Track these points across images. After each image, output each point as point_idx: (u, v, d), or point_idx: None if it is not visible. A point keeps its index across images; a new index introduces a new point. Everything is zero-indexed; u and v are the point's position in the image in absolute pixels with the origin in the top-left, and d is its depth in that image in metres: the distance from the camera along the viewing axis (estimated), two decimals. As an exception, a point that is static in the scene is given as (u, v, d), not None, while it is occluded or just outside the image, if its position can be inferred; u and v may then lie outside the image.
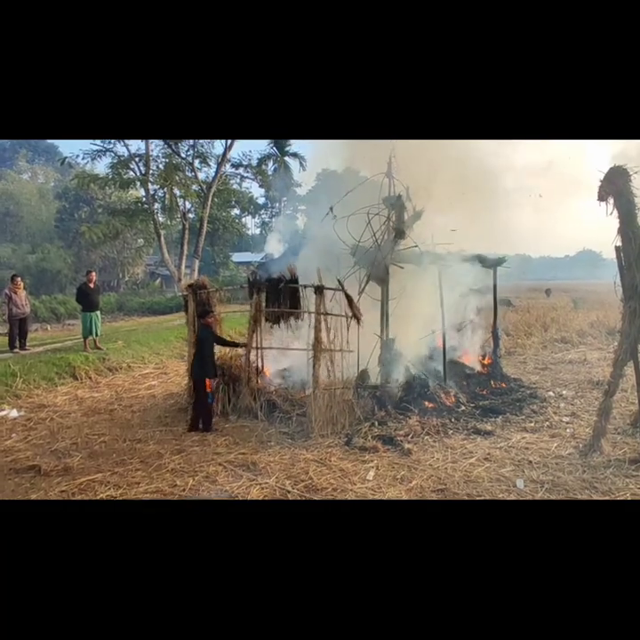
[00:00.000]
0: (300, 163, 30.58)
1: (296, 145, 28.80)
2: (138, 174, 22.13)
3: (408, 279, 6.51)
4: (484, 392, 7.78)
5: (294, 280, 6.93)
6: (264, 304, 7.15)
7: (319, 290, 6.28)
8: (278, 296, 7.02)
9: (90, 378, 9.54)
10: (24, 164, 49.85)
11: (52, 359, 9.76)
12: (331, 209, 6.38)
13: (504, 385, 8.14)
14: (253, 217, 49.88)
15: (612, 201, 4.88)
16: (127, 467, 5.39)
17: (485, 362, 8.55)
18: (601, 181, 4.86)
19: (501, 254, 8.73)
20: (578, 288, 30.23)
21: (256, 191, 43.30)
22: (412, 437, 6.06)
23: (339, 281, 6.22)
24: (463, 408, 6.99)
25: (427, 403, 6.90)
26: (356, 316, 6.28)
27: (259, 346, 7.32)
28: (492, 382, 8.12)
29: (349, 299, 6.28)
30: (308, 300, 6.68)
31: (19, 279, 10.74)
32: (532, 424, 6.62)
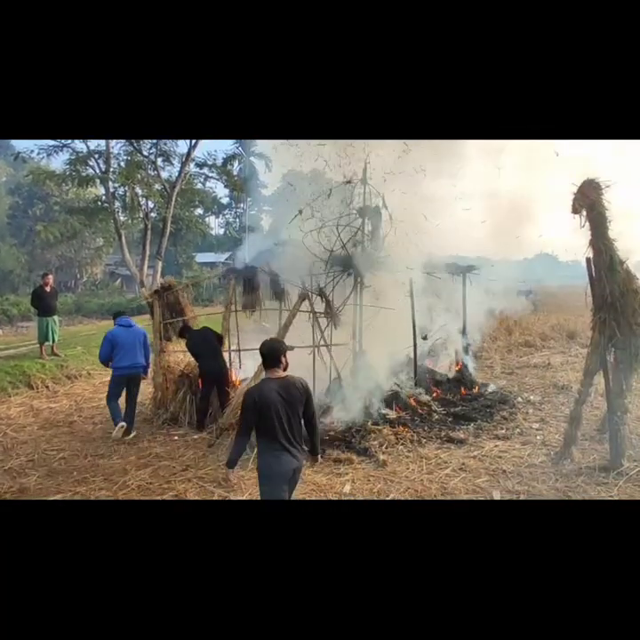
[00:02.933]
0: (266, 163, 30.26)
1: (261, 145, 28.43)
2: (97, 172, 21.31)
3: (382, 288, 6.45)
4: (456, 398, 7.80)
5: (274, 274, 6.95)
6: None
7: (304, 296, 6.35)
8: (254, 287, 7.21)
9: (47, 387, 9.04)
10: (-27, 157, 47.48)
11: (4, 367, 9.20)
12: (300, 211, 6.23)
13: (477, 389, 8.20)
14: (217, 217, 49.28)
15: (584, 213, 4.94)
16: (90, 486, 5.09)
17: (456, 368, 8.59)
18: (574, 194, 4.91)
19: (462, 256, 8.77)
20: (536, 291, 31.11)
21: (220, 191, 42.71)
22: (386, 448, 5.98)
23: (321, 290, 6.16)
24: (436, 417, 6.97)
25: (399, 411, 6.85)
26: (334, 318, 6.25)
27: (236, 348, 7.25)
28: (463, 388, 8.17)
29: (328, 301, 6.22)
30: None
31: (-32, 281, 10.12)
32: (504, 431, 6.66)
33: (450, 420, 6.97)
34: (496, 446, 6.09)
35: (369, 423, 6.36)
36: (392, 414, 6.70)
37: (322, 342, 6.51)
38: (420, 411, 7.02)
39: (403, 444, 6.11)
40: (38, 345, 10.40)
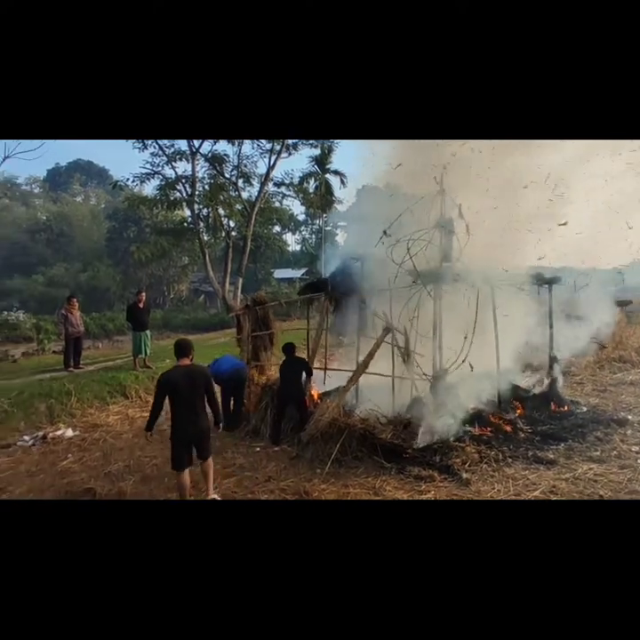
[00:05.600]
0: (342, 180, 30.74)
1: (337, 162, 29.00)
2: (184, 195, 22.69)
3: (458, 302, 6.29)
4: (543, 416, 7.39)
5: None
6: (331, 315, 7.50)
7: (388, 330, 6.54)
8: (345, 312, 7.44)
9: (140, 397, 9.70)
10: (77, 187, 52.56)
11: (103, 378, 10.00)
12: (385, 232, 6.21)
13: (568, 408, 7.72)
14: (293, 233, 50.60)
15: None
16: (180, 492, 5.36)
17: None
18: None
19: (553, 266, 8.32)
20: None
21: (296, 208, 44.08)
22: (469, 466, 5.78)
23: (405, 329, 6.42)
24: (522, 434, 6.64)
25: (483, 429, 6.60)
26: (408, 354, 6.38)
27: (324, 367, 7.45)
28: (551, 406, 7.72)
29: (407, 338, 6.37)
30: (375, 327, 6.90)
31: (74, 299, 11.12)
32: (599, 453, 6.20)
33: (537, 439, 6.62)
34: (590, 469, 5.68)
35: (451, 439, 6.19)
36: (475, 431, 6.48)
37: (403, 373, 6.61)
38: (505, 429, 6.72)
39: (487, 463, 5.87)
40: (132, 357, 11.19)
